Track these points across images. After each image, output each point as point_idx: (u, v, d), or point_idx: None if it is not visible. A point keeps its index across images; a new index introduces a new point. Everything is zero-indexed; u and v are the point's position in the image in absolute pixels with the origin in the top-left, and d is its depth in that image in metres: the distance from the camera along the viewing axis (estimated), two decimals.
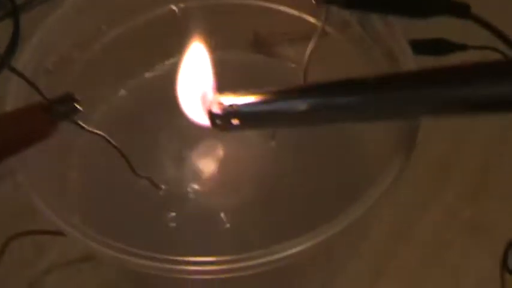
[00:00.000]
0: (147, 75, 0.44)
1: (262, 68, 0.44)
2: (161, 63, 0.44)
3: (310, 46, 0.35)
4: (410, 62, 0.34)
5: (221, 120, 0.29)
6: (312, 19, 0.41)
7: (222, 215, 0.37)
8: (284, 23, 0.43)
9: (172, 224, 0.37)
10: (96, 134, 0.33)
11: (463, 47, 0.43)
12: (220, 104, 0.29)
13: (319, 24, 0.36)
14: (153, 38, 0.42)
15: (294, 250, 0.28)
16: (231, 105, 0.29)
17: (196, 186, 0.38)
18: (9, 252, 0.38)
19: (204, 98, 0.31)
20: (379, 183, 0.29)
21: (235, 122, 0.29)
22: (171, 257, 0.28)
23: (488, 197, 0.42)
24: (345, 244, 0.39)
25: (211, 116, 0.29)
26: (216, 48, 0.33)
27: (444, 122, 0.42)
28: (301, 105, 0.28)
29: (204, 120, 0.30)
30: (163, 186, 0.37)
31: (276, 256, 0.28)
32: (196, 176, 0.38)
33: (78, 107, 0.29)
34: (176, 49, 0.40)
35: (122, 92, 0.43)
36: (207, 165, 0.39)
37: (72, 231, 0.29)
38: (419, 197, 0.41)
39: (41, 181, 0.32)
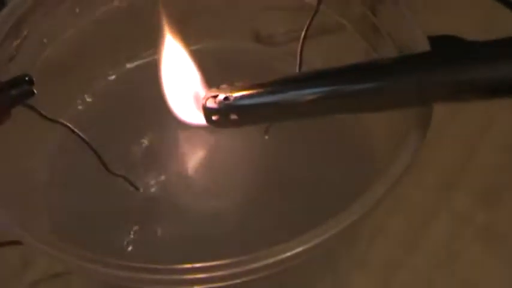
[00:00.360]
0: (129, 65, 0.40)
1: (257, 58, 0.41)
2: (146, 51, 0.40)
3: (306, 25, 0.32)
4: None
5: (218, 115, 0.27)
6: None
7: (213, 217, 0.34)
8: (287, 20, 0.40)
9: (157, 231, 0.34)
10: (60, 123, 0.29)
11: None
12: (216, 97, 0.27)
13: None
14: (137, 22, 0.39)
15: (298, 249, 0.24)
16: (227, 98, 0.27)
17: (182, 187, 0.35)
18: None
19: (195, 94, 0.30)
20: (392, 167, 0.26)
21: (233, 116, 0.27)
22: (164, 267, 0.24)
23: (503, 202, 0.39)
24: (350, 252, 0.37)
25: (207, 111, 0.27)
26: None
27: (454, 124, 0.40)
28: (308, 94, 0.26)
29: (198, 119, 0.29)
30: (141, 189, 0.34)
31: (277, 257, 0.24)
32: (182, 175, 0.35)
33: (33, 89, 0.25)
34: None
35: (99, 83, 0.39)
36: (194, 163, 0.36)
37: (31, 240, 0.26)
38: (428, 203, 0.39)
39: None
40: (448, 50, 0.25)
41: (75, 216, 0.34)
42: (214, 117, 0.27)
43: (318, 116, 0.28)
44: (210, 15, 0.40)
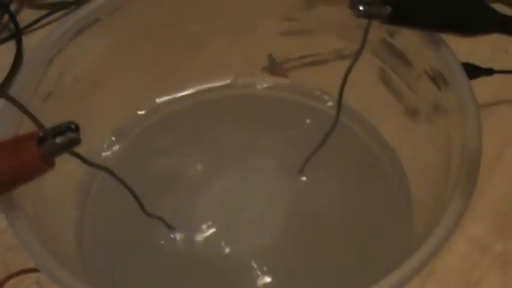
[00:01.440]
0: (158, 100, 0.40)
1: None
2: (175, 88, 0.40)
3: (350, 66, 0.30)
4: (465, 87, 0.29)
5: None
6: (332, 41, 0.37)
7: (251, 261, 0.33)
8: (300, 46, 0.40)
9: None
10: (101, 168, 0.28)
11: (489, 72, 0.40)
12: None
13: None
14: (166, 60, 0.38)
15: None
16: None
17: (215, 229, 0.34)
18: None
19: None
20: (438, 230, 0.25)
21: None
22: None
23: None
24: None
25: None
26: None
27: None
28: None
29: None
30: (177, 234, 0.34)
31: None
32: (218, 218, 0.35)
33: (78, 137, 0.24)
34: (189, 74, 0.38)
35: (131, 121, 0.39)
36: (228, 204, 0.35)
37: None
38: None
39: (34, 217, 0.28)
40: None
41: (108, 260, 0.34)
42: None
43: None
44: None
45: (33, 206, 0.29)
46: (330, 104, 0.38)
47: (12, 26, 0.48)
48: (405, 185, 0.34)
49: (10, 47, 0.47)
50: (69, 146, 0.25)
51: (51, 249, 0.26)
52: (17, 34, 0.47)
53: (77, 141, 0.25)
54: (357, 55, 0.30)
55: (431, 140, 0.32)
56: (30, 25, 0.48)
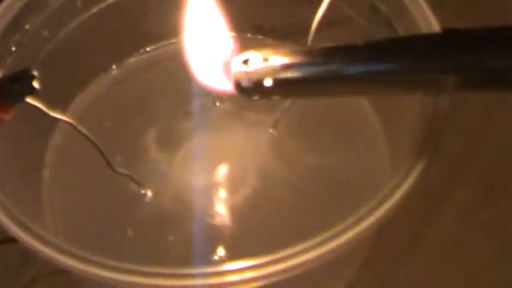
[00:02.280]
0: (132, 59, 0.39)
1: None
2: (152, 45, 0.39)
3: (317, 17, 0.30)
4: None
5: (250, 81, 0.24)
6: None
7: (225, 215, 0.33)
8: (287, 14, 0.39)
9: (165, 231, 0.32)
10: (63, 121, 0.28)
11: None
12: (248, 61, 0.24)
13: None
14: (141, 15, 0.38)
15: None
16: (264, 60, 0.24)
17: (189, 184, 0.34)
18: None
19: (225, 57, 0.26)
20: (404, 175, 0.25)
21: (267, 83, 0.24)
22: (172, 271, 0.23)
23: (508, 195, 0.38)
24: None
25: (237, 75, 0.24)
26: None
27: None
28: (351, 68, 0.23)
29: (225, 85, 0.26)
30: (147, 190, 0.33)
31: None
32: (189, 172, 0.34)
33: (35, 85, 0.24)
34: (169, 30, 0.37)
35: (102, 78, 0.38)
36: (201, 159, 0.35)
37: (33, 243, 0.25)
38: (430, 200, 0.38)
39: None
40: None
41: (77, 216, 0.33)
42: (244, 83, 0.24)
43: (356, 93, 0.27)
44: None
45: None
46: None
47: None
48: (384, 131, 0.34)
49: None
50: (26, 93, 0.24)
51: (22, 213, 0.26)
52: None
53: (33, 89, 0.24)
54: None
55: None
56: None
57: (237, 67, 0.24)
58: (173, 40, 0.39)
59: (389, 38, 0.25)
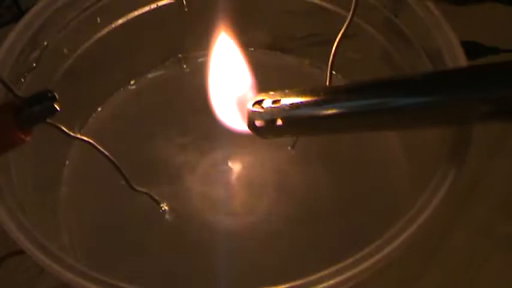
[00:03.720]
0: (150, 75, 0.39)
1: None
2: (166, 62, 0.39)
3: (338, 39, 0.30)
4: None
5: (262, 120, 0.25)
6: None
7: (242, 233, 0.32)
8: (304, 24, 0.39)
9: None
10: (83, 140, 0.27)
11: (495, 51, 0.40)
12: (262, 102, 0.25)
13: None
14: (157, 33, 0.38)
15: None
16: (276, 102, 0.25)
17: (206, 203, 0.33)
18: (8, 270, 0.36)
19: (241, 97, 0.28)
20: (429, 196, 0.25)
21: (278, 123, 0.25)
22: None
23: None
24: None
25: (251, 115, 0.26)
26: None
27: None
28: (355, 106, 0.24)
29: (240, 124, 0.27)
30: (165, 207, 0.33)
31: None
32: (207, 191, 0.34)
33: (56, 106, 0.24)
34: (182, 46, 0.37)
35: (120, 94, 0.38)
36: (219, 179, 0.34)
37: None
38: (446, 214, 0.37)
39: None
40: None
41: (94, 234, 0.33)
42: (258, 123, 0.25)
43: (363, 130, 0.27)
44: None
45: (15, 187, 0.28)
46: None
47: (15, 8, 0.47)
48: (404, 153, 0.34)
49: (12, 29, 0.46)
50: (47, 115, 0.24)
51: (36, 228, 0.26)
52: (20, 17, 0.46)
53: (54, 110, 0.24)
54: (348, 23, 0.29)
55: None
56: (32, 7, 0.47)
57: (251, 108, 0.26)
58: (192, 55, 0.39)
59: (397, 76, 0.26)
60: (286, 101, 0.25)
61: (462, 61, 0.29)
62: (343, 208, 0.33)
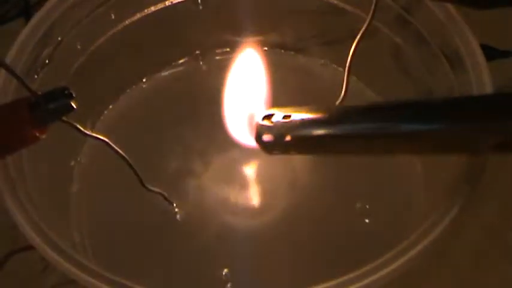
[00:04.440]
0: (164, 73, 0.38)
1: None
2: (180, 60, 0.39)
3: (356, 42, 0.29)
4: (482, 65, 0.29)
5: (271, 134, 0.25)
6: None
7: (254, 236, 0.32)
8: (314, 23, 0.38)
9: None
10: (97, 139, 0.27)
11: (506, 54, 0.40)
12: (271, 116, 0.25)
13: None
14: (172, 30, 0.37)
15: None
16: (286, 117, 0.25)
17: (219, 206, 0.33)
18: (13, 267, 0.35)
19: (251, 113, 0.28)
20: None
21: (287, 139, 0.24)
22: None
23: None
24: None
25: (259, 129, 0.25)
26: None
27: None
28: (366, 128, 0.23)
29: (249, 139, 0.27)
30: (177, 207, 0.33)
31: None
32: (220, 193, 0.34)
33: (72, 104, 0.23)
34: (196, 44, 0.37)
35: (131, 92, 0.38)
36: (231, 181, 0.34)
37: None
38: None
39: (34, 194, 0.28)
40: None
41: (105, 232, 0.33)
42: (265, 137, 0.25)
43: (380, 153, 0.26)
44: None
45: (28, 183, 0.28)
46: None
47: (22, 3, 0.47)
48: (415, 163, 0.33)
49: (20, 24, 0.46)
50: (63, 112, 0.23)
51: (49, 226, 0.26)
52: (27, 11, 0.46)
53: (70, 108, 0.23)
54: (365, 27, 0.29)
55: None
56: (39, 2, 0.47)
57: (261, 121, 0.25)
58: (204, 53, 0.39)
59: (413, 100, 0.25)
60: (297, 117, 0.24)
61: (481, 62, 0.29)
62: (359, 208, 0.32)
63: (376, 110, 0.24)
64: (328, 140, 0.24)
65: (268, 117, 0.25)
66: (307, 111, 0.24)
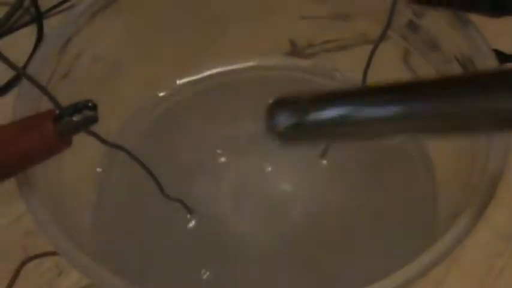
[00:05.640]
0: (179, 81, 0.39)
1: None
2: (196, 70, 0.39)
3: (373, 49, 0.29)
4: None
5: (286, 123, 0.23)
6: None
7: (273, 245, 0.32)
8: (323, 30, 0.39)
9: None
10: (119, 148, 0.27)
11: None
12: (286, 102, 0.23)
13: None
14: (186, 42, 0.38)
15: None
16: (300, 103, 0.23)
17: (238, 213, 0.34)
18: (27, 273, 0.35)
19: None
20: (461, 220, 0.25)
21: (303, 124, 0.23)
22: None
23: None
24: None
25: (273, 116, 0.23)
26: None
27: None
28: (387, 110, 0.23)
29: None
30: (197, 217, 0.33)
31: None
32: (239, 200, 0.34)
33: (96, 116, 0.24)
34: (210, 56, 0.38)
35: (154, 100, 0.38)
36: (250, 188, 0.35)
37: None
38: None
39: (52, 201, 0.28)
40: None
41: (123, 238, 0.33)
42: (281, 124, 0.23)
43: (390, 136, 0.25)
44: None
45: (51, 189, 0.28)
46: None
47: (33, 9, 0.48)
48: (430, 169, 0.33)
49: (31, 30, 0.47)
50: (86, 124, 0.24)
51: (69, 232, 0.26)
52: (38, 18, 0.47)
53: (94, 120, 0.24)
54: (381, 36, 0.29)
55: None
56: (51, 9, 0.48)
57: (275, 108, 0.24)
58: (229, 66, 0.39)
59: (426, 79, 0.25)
60: (313, 102, 0.23)
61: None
62: (375, 220, 0.33)
63: (396, 90, 0.23)
64: (346, 124, 0.23)
65: (283, 103, 0.24)
66: (323, 96, 0.24)
